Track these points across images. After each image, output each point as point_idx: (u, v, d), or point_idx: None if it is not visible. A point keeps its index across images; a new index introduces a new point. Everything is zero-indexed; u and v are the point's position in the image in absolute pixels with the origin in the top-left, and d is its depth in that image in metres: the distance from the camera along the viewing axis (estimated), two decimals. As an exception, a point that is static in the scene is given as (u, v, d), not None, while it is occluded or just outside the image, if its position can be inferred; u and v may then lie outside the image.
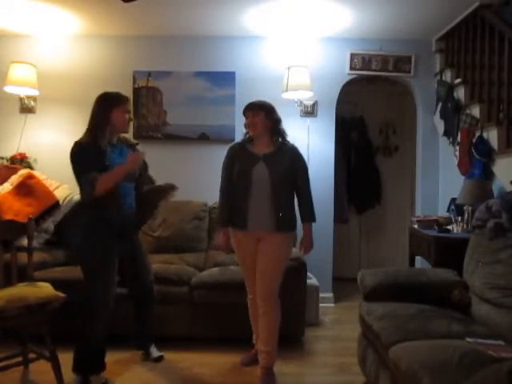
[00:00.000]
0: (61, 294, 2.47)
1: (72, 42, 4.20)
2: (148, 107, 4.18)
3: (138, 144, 2.87)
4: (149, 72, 4.16)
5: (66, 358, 2.54)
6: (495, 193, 3.13)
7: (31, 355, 2.60)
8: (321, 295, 3.77)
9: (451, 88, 3.87)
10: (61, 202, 3.61)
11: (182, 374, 2.78)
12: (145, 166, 2.82)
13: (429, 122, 4.27)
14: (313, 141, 4.17)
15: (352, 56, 4.19)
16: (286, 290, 2.74)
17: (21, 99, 4.12)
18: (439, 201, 4.23)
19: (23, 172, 3.60)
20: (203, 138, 4.18)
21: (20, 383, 2.62)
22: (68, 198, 3.70)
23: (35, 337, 2.52)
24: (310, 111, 4.20)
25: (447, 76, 4.01)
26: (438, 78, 4.14)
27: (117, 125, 2.60)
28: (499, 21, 3.19)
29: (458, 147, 3.67)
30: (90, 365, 2.56)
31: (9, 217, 3.20)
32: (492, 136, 3.26)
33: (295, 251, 2.97)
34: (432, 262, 3.10)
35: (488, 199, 2.77)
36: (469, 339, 1.98)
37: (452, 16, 3.72)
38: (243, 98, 3.77)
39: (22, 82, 3.83)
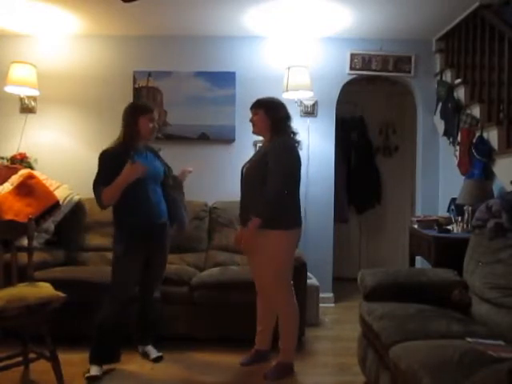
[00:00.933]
0: (61, 294, 2.47)
1: (72, 42, 4.19)
2: (148, 107, 4.18)
3: (160, 150, 2.96)
4: (149, 72, 4.16)
5: (66, 358, 2.54)
6: (495, 193, 3.13)
7: (31, 355, 2.60)
8: (321, 295, 3.77)
9: (451, 88, 3.87)
10: (61, 202, 3.61)
11: (182, 373, 2.78)
12: (168, 169, 2.93)
13: (429, 122, 4.27)
14: (313, 141, 4.17)
15: (352, 56, 4.19)
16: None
17: (21, 99, 4.12)
18: (439, 201, 4.22)
19: (23, 172, 3.60)
20: (203, 138, 4.18)
21: (20, 383, 2.61)
22: (68, 198, 3.70)
23: (35, 337, 2.52)
24: (310, 111, 4.19)
25: (447, 76, 4.01)
26: (438, 78, 4.14)
27: (142, 132, 2.72)
28: (499, 21, 3.19)
29: (458, 147, 3.66)
30: (101, 354, 2.65)
31: (9, 217, 3.20)
32: (492, 136, 3.26)
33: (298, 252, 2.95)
34: (432, 262, 3.10)
35: (488, 199, 2.77)
36: (469, 339, 1.98)
37: (452, 16, 3.72)
38: (243, 98, 3.78)
39: (22, 82, 3.83)
